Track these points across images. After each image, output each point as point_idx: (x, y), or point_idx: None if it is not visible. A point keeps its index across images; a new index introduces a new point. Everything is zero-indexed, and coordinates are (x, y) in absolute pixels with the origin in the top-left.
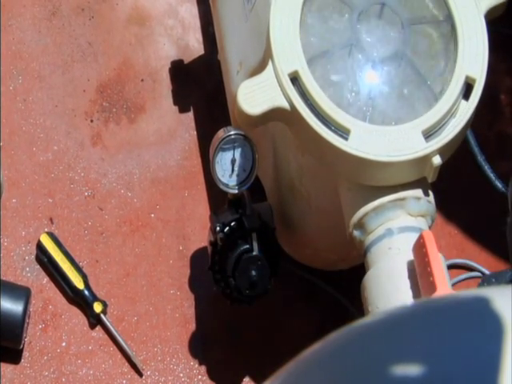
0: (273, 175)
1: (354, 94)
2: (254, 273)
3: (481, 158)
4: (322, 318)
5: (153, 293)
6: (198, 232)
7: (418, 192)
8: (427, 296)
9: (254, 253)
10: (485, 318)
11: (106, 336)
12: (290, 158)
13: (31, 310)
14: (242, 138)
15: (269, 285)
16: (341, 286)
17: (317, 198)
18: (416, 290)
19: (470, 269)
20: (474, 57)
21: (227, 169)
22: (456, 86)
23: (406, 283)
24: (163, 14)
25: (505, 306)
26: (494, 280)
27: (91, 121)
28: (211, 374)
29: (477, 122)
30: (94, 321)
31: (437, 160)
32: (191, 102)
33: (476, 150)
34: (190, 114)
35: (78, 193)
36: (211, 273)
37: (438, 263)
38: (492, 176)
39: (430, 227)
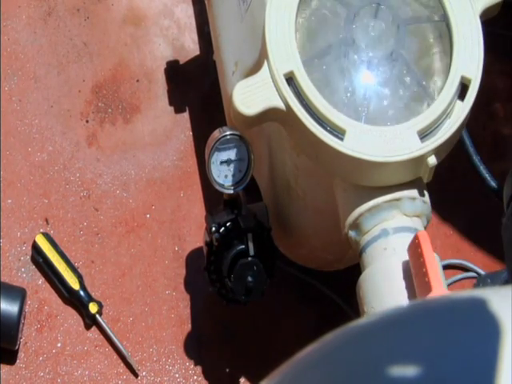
0: (268, 175)
1: (349, 94)
2: (250, 278)
3: (476, 158)
4: (318, 318)
5: (148, 293)
6: (194, 232)
7: (414, 192)
8: (422, 296)
9: (250, 258)
10: (481, 318)
11: (101, 336)
12: (286, 158)
13: (27, 310)
14: (238, 139)
15: (264, 285)
16: (336, 286)
17: (312, 199)
18: (411, 291)
19: (466, 269)
20: (469, 57)
21: (223, 169)
22: (451, 86)
23: (402, 283)
24: (158, 14)
25: (501, 307)
26: (489, 280)
27: (86, 121)
28: (207, 375)
29: (472, 122)
30: (90, 321)
31: (432, 160)
32: (187, 103)
33: (471, 150)
34: (186, 115)
35: (74, 193)
36: (207, 273)
37: (434, 263)
38: (487, 176)
39: (425, 227)
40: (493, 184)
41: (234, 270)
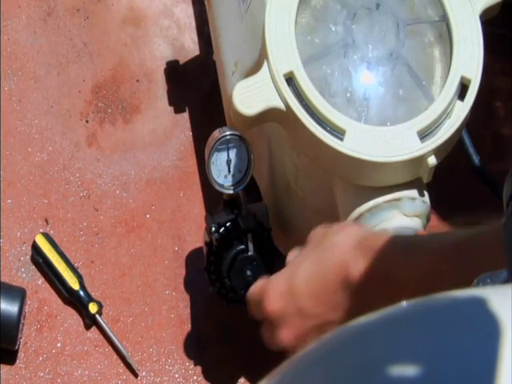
0: (268, 176)
1: (349, 94)
2: (249, 273)
3: (476, 159)
4: None
5: (148, 293)
6: (194, 232)
7: (413, 192)
8: None
9: (250, 253)
10: (481, 318)
11: (101, 337)
12: (286, 158)
13: (26, 310)
14: (238, 139)
15: None
16: None
17: (312, 199)
18: None
19: None
20: (469, 57)
21: (222, 169)
22: (451, 86)
23: None
24: (158, 14)
25: (501, 306)
26: (489, 280)
27: (86, 121)
28: (207, 375)
29: (472, 122)
30: (90, 321)
31: (432, 160)
32: (187, 103)
33: (471, 150)
34: (186, 115)
35: (74, 193)
36: (207, 273)
37: None
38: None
39: (424, 228)
40: (492, 183)
41: (234, 265)
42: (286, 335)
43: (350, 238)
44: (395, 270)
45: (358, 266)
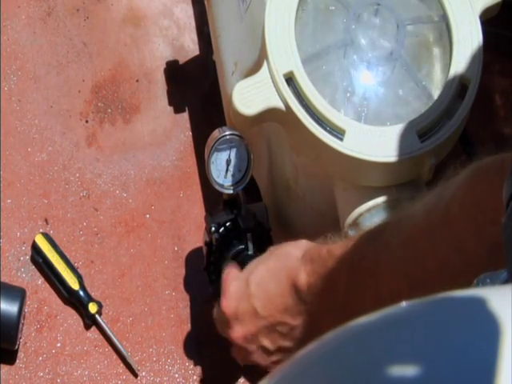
0: (268, 175)
1: (349, 94)
2: None
3: (476, 158)
4: None
5: (148, 293)
6: (194, 232)
7: (413, 192)
8: None
9: (250, 252)
10: (480, 318)
11: (101, 337)
12: (285, 158)
13: (26, 310)
14: (237, 139)
15: None
16: None
17: (312, 199)
18: None
19: None
20: (468, 57)
21: (222, 169)
22: (451, 86)
23: None
24: (158, 14)
25: (501, 306)
26: (488, 280)
27: (86, 121)
28: (207, 375)
29: (472, 122)
30: (89, 321)
31: (432, 160)
32: (186, 103)
33: (471, 150)
34: (186, 115)
35: (73, 193)
36: (206, 273)
37: None
38: None
39: None
40: None
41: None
42: (237, 333)
43: (298, 249)
44: (326, 278)
45: (302, 276)
